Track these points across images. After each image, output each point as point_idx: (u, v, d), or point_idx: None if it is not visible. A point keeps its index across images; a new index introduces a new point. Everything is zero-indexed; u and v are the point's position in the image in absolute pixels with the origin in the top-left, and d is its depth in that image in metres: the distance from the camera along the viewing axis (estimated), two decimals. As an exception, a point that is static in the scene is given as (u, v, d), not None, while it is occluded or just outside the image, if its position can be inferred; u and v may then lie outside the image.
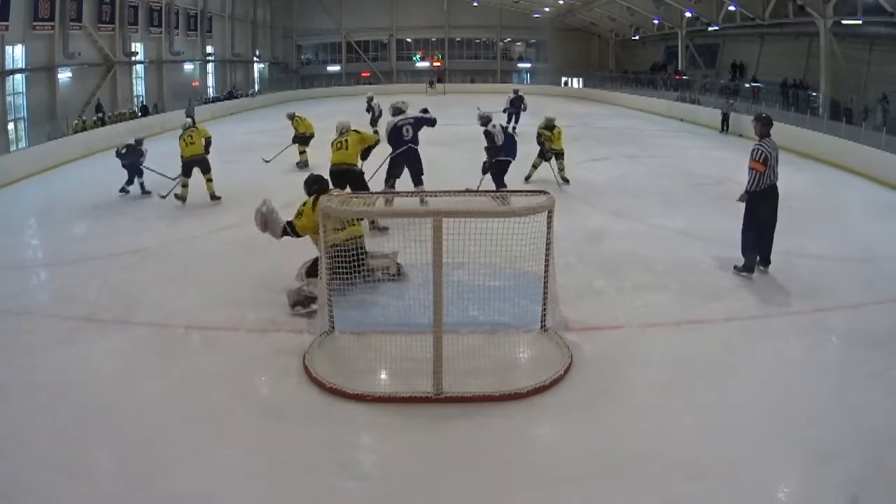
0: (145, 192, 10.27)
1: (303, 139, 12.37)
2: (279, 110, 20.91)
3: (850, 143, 12.50)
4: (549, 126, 10.27)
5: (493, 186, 8.12)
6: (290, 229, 5.52)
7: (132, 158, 10.22)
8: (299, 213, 5.52)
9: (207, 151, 9.56)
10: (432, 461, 3.49)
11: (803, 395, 4.07)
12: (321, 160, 11.71)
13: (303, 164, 12.09)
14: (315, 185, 5.68)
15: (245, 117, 23.87)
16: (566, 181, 10.13)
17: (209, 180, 9.54)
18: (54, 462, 3.43)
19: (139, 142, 10.60)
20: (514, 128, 15.48)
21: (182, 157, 9.43)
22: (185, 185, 9.41)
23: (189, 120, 10.62)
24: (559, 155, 10.24)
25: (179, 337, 5.01)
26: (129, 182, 10.35)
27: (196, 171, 9.41)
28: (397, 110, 8.08)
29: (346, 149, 7.61)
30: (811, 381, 4.27)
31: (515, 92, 17.62)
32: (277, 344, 4.82)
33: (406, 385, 4.10)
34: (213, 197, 9.53)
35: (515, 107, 17.01)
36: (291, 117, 12.68)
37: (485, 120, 8.85)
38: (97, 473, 3.39)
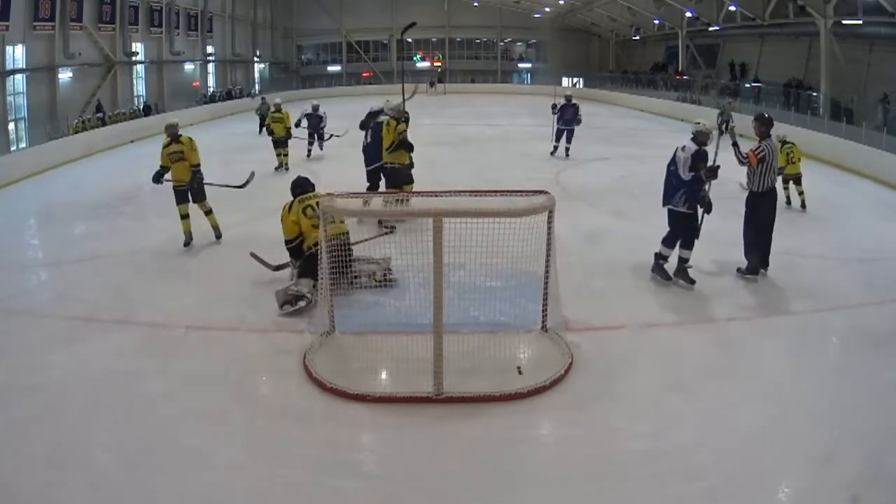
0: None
1: (281, 141, 11.80)
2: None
3: (851, 143, 12.52)
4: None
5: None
6: (288, 243, 5.63)
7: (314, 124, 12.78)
8: (281, 221, 5.65)
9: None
10: (432, 461, 3.49)
11: (803, 396, 4.07)
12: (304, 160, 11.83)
13: (286, 168, 11.61)
14: (297, 189, 5.81)
15: (246, 117, 23.85)
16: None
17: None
18: (54, 462, 3.43)
19: (315, 108, 12.92)
20: (566, 148, 12.74)
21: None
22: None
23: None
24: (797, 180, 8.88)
25: (179, 337, 5.01)
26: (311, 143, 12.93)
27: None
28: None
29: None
30: (811, 382, 4.27)
31: (568, 99, 12.83)
32: (277, 344, 4.82)
33: (406, 385, 4.09)
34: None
35: (567, 120, 12.60)
36: (279, 108, 11.98)
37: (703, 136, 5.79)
38: (97, 473, 3.39)
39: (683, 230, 5.82)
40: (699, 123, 5.84)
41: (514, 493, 3.26)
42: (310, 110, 13.20)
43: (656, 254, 6.01)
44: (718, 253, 6.57)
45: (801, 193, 8.85)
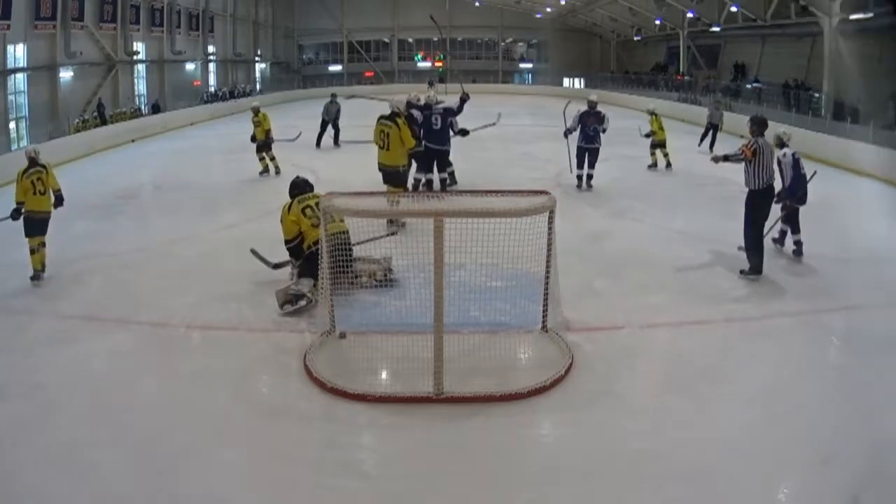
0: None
1: (265, 145, 11.39)
2: (280, 110, 20.91)
3: (852, 142, 12.47)
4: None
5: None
6: (288, 243, 5.64)
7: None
8: (281, 221, 5.67)
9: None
10: (432, 461, 3.49)
11: (804, 396, 4.06)
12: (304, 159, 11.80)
13: (276, 171, 11.25)
14: (295, 190, 5.82)
15: (246, 117, 23.84)
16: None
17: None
18: (54, 462, 3.43)
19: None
20: (588, 177, 9.83)
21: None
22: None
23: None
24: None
25: (180, 336, 5.00)
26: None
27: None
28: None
29: (388, 149, 7.42)
30: (812, 382, 4.26)
31: (592, 105, 9.73)
32: (278, 344, 4.82)
33: (407, 385, 4.09)
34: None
35: (589, 136, 9.57)
36: (257, 111, 11.45)
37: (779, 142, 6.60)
38: (97, 473, 3.38)
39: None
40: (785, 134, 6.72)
41: (514, 492, 3.25)
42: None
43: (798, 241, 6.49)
44: (719, 253, 6.57)
45: (665, 156, 11.76)
